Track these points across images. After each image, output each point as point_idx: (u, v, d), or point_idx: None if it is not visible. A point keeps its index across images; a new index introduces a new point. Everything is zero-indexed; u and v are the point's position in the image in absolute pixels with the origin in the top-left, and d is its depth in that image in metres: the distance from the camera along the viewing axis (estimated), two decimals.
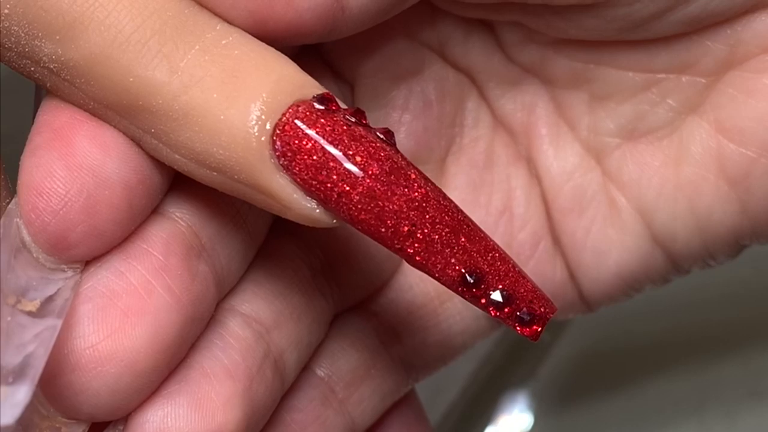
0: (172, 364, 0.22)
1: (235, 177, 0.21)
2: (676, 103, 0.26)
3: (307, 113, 0.20)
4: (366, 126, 0.21)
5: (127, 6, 0.20)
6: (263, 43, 0.21)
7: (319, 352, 0.27)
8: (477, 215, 0.28)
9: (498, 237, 0.28)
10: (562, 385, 0.41)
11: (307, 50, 0.26)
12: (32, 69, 0.21)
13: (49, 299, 0.21)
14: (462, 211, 0.21)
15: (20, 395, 0.19)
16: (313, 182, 0.20)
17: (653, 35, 0.25)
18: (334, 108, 0.21)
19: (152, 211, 0.22)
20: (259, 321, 0.24)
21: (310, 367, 0.26)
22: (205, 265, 0.23)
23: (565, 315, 0.29)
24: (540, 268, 0.28)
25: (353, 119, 0.21)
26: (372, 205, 0.20)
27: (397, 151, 0.21)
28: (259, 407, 0.23)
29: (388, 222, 0.21)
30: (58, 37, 0.20)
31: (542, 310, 0.22)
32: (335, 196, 0.21)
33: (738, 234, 0.26)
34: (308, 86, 0.21)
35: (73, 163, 0.21)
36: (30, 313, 0.20)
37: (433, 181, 0.27)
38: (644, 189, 0.26)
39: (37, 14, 0.20)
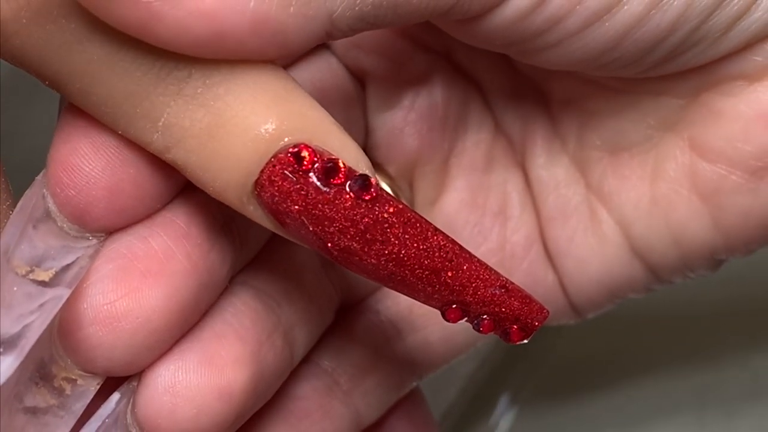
0: (184, 325, 0.23)
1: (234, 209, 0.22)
2: (654, 121, 0.27)
3: (281, 182, 0.21)
4: (340, 185, 0.21)
5: (96, 71, 0.21)
6: (245, 73, 0.21)
7: (324, 345, 0.27)
8: (474, 216, 0.29)
9: (493, 238, 0.29)
10: (562, 385, 0.41)
11: (323, 51, 0.27)
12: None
13: (65, 268, 0.22)
14: (444, 247, 0.22)
15: (4, 366, 0.20)
16: (296, 234, 0.21)
17: (642, 76, 0.26)
18: (307, 167, 0.21)
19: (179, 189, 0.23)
20: (270, 295, 0.25)
21: (314, 359, 0.27)
22: (225, 236, 0.24)
23: (558, 321, 0.30)
24: (533, 270, 0.29)
25: (324, 182, 0.21)
26: (350, 259, 0.21)
27: (375, 203, 0.21)
28: (268, 373, 0.24)
29: (369, 271, 0.22)
30: (47, 83, 0.21)
31: (530, 322, 0.23)
32: (317, 247, 0.21)
33: (712, 248, 0.27)
34: (287, 133, 0.21)
35: (100, 141, 0.22)
36: (42, 283, 0.21)
37: (436, 181, 0.28)
38: (623, 202, 0.27)
39: (21, 63, 0.21)
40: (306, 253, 0.26)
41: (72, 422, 0.23)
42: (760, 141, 0.25)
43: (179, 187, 0.23)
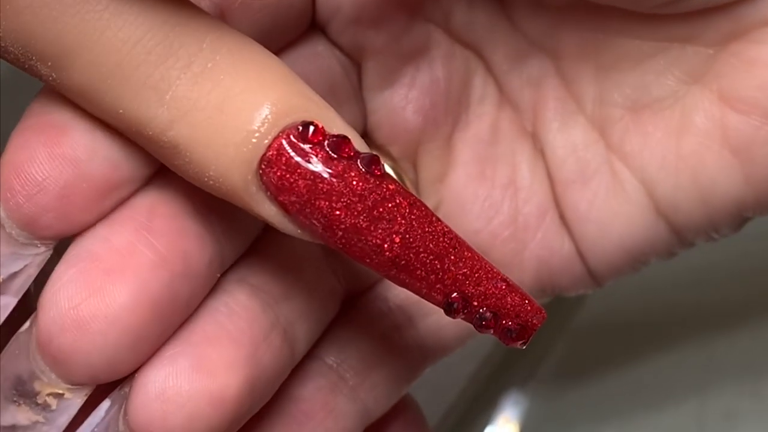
0: (164, 320, 0.22)
1: (229, 200, 0.21)
2: (680, 72, 0.26)
3: (289, 154, 0.21)
4: (349, 158, 0.21)
5: (111, 38, 0.20)
6: (252, 53, 0.21)
7: (328, 339, 0.27)
8: (483, 189, 0.28)
9: (504, 210, 0.28)
10: (562, 385, 0.41)
11: (314, 31, 0.26)
12: (39, 79, 0.21)
13: (12, 276, 0.22)
14: (449, 233, 0.22)
15: None
16: (298, 216, 0.21)
17: (669, 11, 0.25)
18: (317, 139, 0.21)
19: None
20: (267, 292, 0.24)
21: (318, 355, 0.27)
22: (201, 226, 0.23)
23: (576, 290, 0.29)
24: (547, 241, 0.28)
25: (334, 155, 0.21)
26: (355, 240, 0.21)
27: (383, 180, 0.21)
28: (266, 375, 0.24)
29: (372, 255, 0.21)
30: (50, 64, 0.21)
31: (529, 322, 0.22)
32: (320, 230, 0.21)
33: (741, 205, 0.26)
34: (294, 111, 0.21)
35: (57, 152, 0.21)
36: None
37: (441, 157, 0.27)
38: (647, 160, 0.26)
39: (28, 41, 0.20)
40: (305, 245, 0.26)
41: None
42: None
43: (129, 194, 0.23)
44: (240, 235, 0.25)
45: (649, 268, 0.28)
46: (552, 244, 0.28)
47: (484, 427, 0.41)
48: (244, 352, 0.23)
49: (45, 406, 0.22)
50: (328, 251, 0.26)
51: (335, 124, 0.21)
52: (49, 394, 0.22)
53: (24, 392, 0.22)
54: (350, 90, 0.28)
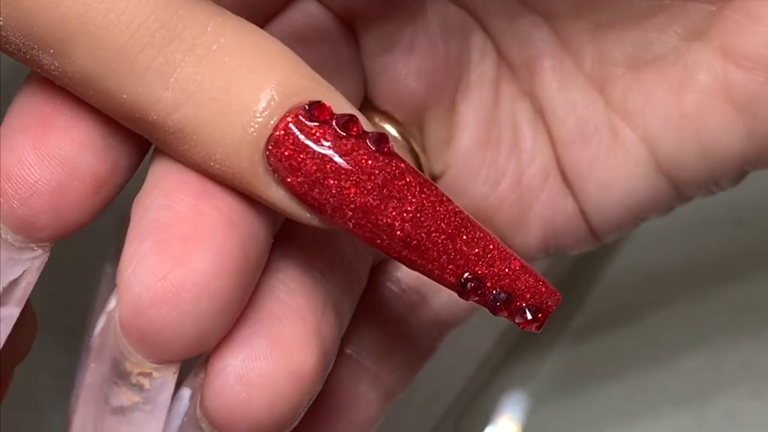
0: (244, 283, 0.22)
1: (235, 186, 0.21)
2: (682, 29, 0.26)
3: (297, 133, 0.20)
4: (358, 136, 0.21)
5: (114, 21, 0.20)
6: (256, 36, 0.21)
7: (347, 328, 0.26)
8: (490, 154, 0.28)
9: (510, 173, 0.28)
10: (562, 385, 0.41)
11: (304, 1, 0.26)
12: (39, 70, 0.21)
13: (12, 285, 0.21)
14: (460, 213, 0.21)
15: None
16: (307, 197, 0.21)
17: None
18: (325, 118, 0.21)
19: None
20: (314, 266, 0.24)
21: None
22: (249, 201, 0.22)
23: (579, 249, 0.29)
24: (552, 200, 0.28)
25: (344, 132, 0.21)
26: (365, 219, 0.21)
27: (392, 158, 0.21)
28: (329, 349, 0.23)
29: (383, 235, 0.21)
30: (52, 51, 0.20)
31: (544, 303, 0.22)
32: (329, 210, 0.21)
33: (743, 159, 0.26)
34: (300, 91, 0.21)
35: (46, 152, 0.21)
36: None
37: (447, 122, 0.27)
38: (649, 118, 0.26)
39: (29, 28, 0.20)
40: None
41: (163, 414, 0.22)
42: None
43: (122, 188, 0.22)
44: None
45: (650, 269, 0.28)
46: (556, 205, 0.28)
47: (484, 427, 0.41)
48: (311, 328, 0.22)
49: (140, 387, 0.22)
50: None
51: (340, 105, 0.21)
52: (139, 374, 0.22)
53: (119, 373, 0.22)
54: (349, 55, 0.27)
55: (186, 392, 0.22)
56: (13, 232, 0.21)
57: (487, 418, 0.41)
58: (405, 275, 0.28)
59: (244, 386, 0.21)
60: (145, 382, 0.22)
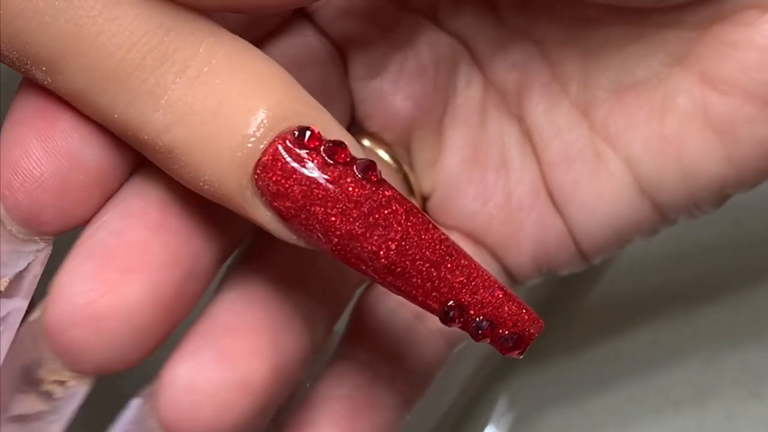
0: (170, 318, 0.22)
1: (225, 204, 0.21)
2: (663, 55, 0.26)
3: (284, 159, 0.21)
4: (345, 163, 0.21)
5: (105, 43, 0.20)
6: (249, 57, 0.21)
7: (354, 338, 0.27)
8: (477, 172, 0.28)
9: (498, 192, 0.28)
10: (561, 386, 0.41)
11: (300, 19, 0.26)
12: (36, 82, 0.22)
13: (19, 276, 0.22)
14: (445, 240, 0.21)
15: None
16: (294, 222, 0.21)
17: (657, 5, 0.25)
18: (313, 144, 0.21)
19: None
20: (283, 279, 0.25)
21: (350, 355, 0.27)
22: (205, 222, 0.23)
23: (569, 269, 0.29)
24: (542, 220, 0.28)
25: (330, 161, 0.21)
26: (350, 246, 0.21)
27: (379, 186, 0.21)
28: (289, 361, 0.24)
29: (368, 261, 0.21)
30: (44, 68, 0.21)
31: (526, 331, 0.22)
32: (315, 236, 0.21)
33: (723, 182, 0.26)
34: (290, 116, 0.21)
35: (52, 146, 0.21)
36: None
37: (434, 142, 0.28)
38: (630, 140, 0.27)
39: (21, 46, 0.20)
40: None
41: (62, 426, 0.23)
42: None
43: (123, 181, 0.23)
44: (242, 227, 0.25)
45: (650, 269, 0.28)
46: (546, 224, 0.28)
47: (483, 427, 0.41)
48: (265, 340, 0.23)
49: (49, 395, 0.22)
50: None
51: (331, 129, 0.21)
52: (53, 382, 0.22)
53: (29, 380, 0.22)
54: (338, 79, 0.28)
55: (136, 402, 0.23)
56: (18, 225, 0.22)
57: (486, 419, 0.41)
58: None
59: (192, 394, 0.22)
60: (58, 390, 0.22)
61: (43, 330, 0.22)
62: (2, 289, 0.21)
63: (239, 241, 0.25)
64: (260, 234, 0.25)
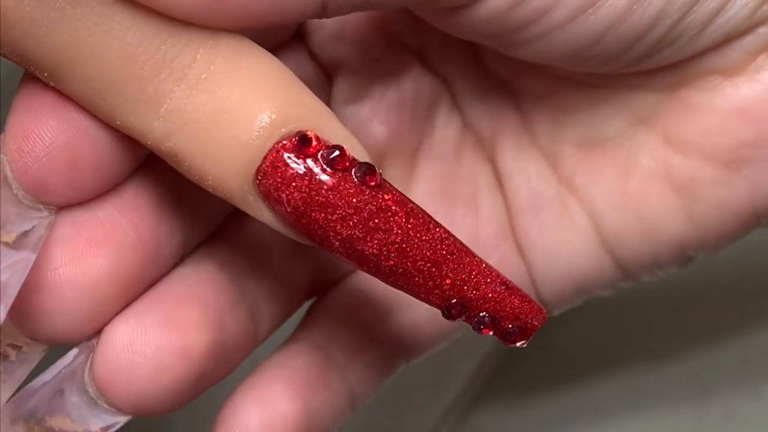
0: (127, 298, 0.23)
1: (231, 203, 0.22)
2: (629, 115, 0.27)
3: (283, 167, 0.21)
4: (344, 170, 0.21)
5: (102, 55, 0.21)
6: (249, 60, 0.21)
7: (315, 324, 0.28)
8: (444, 206, 0.29)
9: (464, 229, 0.29)
10: (561, 386, 0.41)
11: (295, 40, 0.27)
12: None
13: (25, 234, 0.22)
14: (446, 239, 0.22)
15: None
16: (296, 225, 0.21)
17: (632, 71, 0.26)
18: (312, 151, 0.21)
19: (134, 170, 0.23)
20: (235, 269, 0.25)
21: (309, 337, 0.27)
22: (174, 214, 0.24)
23: None
24: (505, 263, 0.29)
25: (329, 167, 0.21)
26: (351, 249, 0.21)
27: (378, 191, 0.21)
28: (230, 343, 0.24)
29: (370, 263, 0.21)
30: (46, 74, 0.21)
31: (528, 323, 0.23)
32: (317, 240, 0.21)
33: (683, 242, 0.27)
34: (290, 121, 0.21)
35: (65, 115, 0.22)
36: (6, 245, 0.21)
37: (405, 171, 0.28)
38: (595, 195, 0.28)
39: (22, 53, 0.21)
40: (272, 235, 0.26)
41: (15, 386, 0.23)
42: (735, 134, 0.25)
43: (134, 167, 0.23)
44: (207, 220, 0.25)
45: None
46: (509, 267, 0.29)
47: (484, 427, 0.41)
48: (211, 315, 0.24)
49: (5, 356, 0.23)
50: (296, 244, 0.27)
51: (333, 130, 0.21)
52: (8, 345, 0.22)
53: None
54: (323, 101, 0.28)
55: (73, 352, 0.23)
56: (24, 190, 0.22)
57: (487, 418, 0.41)
58: (368, 287, 0.29)
59: (130, 354, 0.22)
60: (12, 354, 0.23)
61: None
62: (10, 242, 0.21)
63: (209, 229, 0.26)
64: (229, 220, 0.26)
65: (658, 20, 0.24)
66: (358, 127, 0.28)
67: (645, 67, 0.25)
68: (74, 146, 0.22)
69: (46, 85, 0.22)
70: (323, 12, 0.22)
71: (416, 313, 0.29)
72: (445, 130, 0.29)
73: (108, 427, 0.23)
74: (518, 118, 0.29)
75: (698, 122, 0.26)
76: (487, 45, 0.25)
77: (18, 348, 0.23)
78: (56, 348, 0.23)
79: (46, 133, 0.21)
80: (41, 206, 0.22)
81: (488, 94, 0.29)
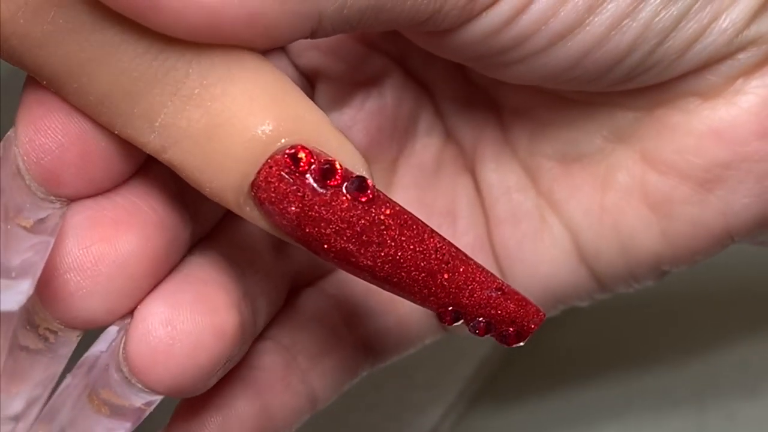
0: (157, 277, 0.23)
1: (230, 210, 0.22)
2: (608, 132, 0.27)
3: (277, 182, 0.21)
4: (337, 186, 0.21)
5: (95, 71, 0.21)
6: (242, 72, 0.21)
7: (282, 324, 0.28)
8: (421, 214, 0.29)
9: None
10: (561, 386, 0.41)
11: (277, 50, 0.27)
12: None
13: (41, 220, 0.22)
14: (441, 248, 0.22)
15: (24, 286, 0.21)
16: (293, 236, 0.21)
17: (618, 89, 0.26)
18: (304, 168, 0.21)
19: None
20: (237, 262, 0.25)
21: (273, 337, 0.28)
22: (181, 205, 0.24)
23: None
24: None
25: (321, 183, 0.21)
26: (346, 261, 0.21)
27: (371, 205, 0.21)
28: (247, 327, 0.24)
29: (365, 273, 0.22)
30: (44, 82, 0.21)
31: (525, 326, 0.23)
32: (313, 249, 0.21)
33: (658, 258, 0.28)
34: (284, 135, 0.21)
35: (75, 109, 0.22)
36: (25, 228, 0.21)
37: (384, 179, 0.29)
38: (573, 209, 0.28)
39: (20, 62, 0.21)
40: (260, 233, 0.27)
41: (62, 363, 0.23)
42: (710, 155, 0.26)
43: (143, 162, 0.23)
44: (205, 219, 0.26)
45: None
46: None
47: (483, 427, 0.41)
48: (234, 298, 0.24)
49: (45, 338, 0.23)
50: (276, 244, 0.27)
51: (329, 141, 0.21)
52: (45, 329, 0.23)
53: (30, 322, 0.23)
54: None
55: (113, 329, 0.23)
56: (37, 183, 0.22)
57: (487, 418, 0.41)
58: (339, 292, 0.29)
59: (170, 331, 0.22)
60: (51, 336, 0.23)
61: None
62: (28, 226, 0.21)
63: (209, 226, 0.26)
64: (227, 217, 0.26)
65: (636, 46, 0.24)
66: None
67: (625, 88, 0.26)
68: (85, 139, 0.22)
69: None
70: (312, 35, 0.22)
71: (387, 320, 0.29)
72: (427, 138, 0.29)
73: (149, 403, 0.23)
74: (499, 130, 0.29)
75: (675, 142, 0.26)
76: (469, 66, 0.26)
77: (54, 333, 0.23)
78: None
79: (58, 125, 0.21)
80: (53, 198, 0.22)
81: (470, 104, 0.29)
